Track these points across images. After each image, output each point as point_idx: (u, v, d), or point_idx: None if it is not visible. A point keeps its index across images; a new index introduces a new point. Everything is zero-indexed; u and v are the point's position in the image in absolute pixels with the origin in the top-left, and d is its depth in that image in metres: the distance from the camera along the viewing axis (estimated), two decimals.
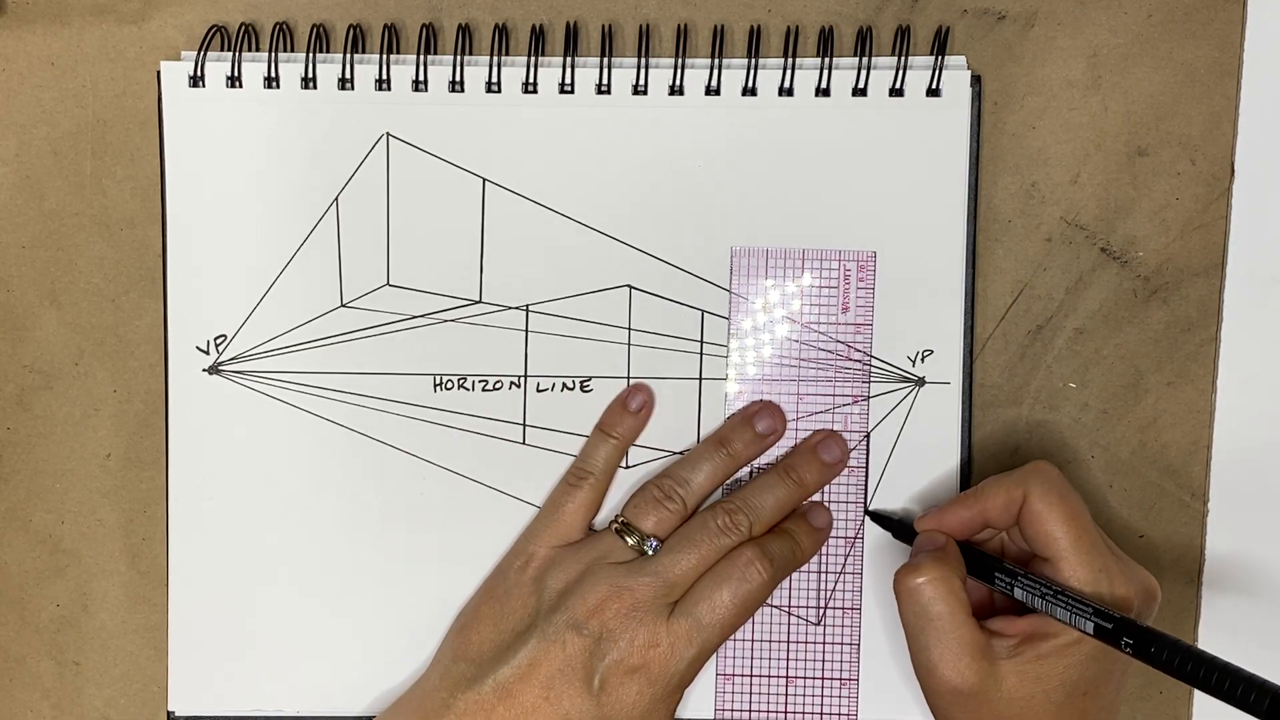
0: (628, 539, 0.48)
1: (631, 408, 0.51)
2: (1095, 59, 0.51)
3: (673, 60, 0.50)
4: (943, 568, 0.45)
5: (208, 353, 0.51)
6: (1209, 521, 0.52)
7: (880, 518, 0.51)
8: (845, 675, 0.52)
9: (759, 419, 0.50)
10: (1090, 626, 0.43)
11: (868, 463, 0.51)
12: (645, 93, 0.50)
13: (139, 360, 0.52)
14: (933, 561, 0.45)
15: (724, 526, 0.48)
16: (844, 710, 0.52)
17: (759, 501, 0.49)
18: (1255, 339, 0.52)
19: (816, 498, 0.51)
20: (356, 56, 0.50)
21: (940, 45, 0.50)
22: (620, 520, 0.49)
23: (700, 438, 0.51)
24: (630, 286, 0.51)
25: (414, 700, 0.49)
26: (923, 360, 0.51)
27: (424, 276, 0.51)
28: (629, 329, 0.51)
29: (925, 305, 0.51)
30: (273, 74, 0.50)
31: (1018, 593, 0.45)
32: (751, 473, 0.51)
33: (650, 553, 0.48)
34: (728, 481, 0.51)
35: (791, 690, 0.52)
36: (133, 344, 0.52)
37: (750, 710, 0.52)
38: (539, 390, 0.51)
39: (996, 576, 0.46)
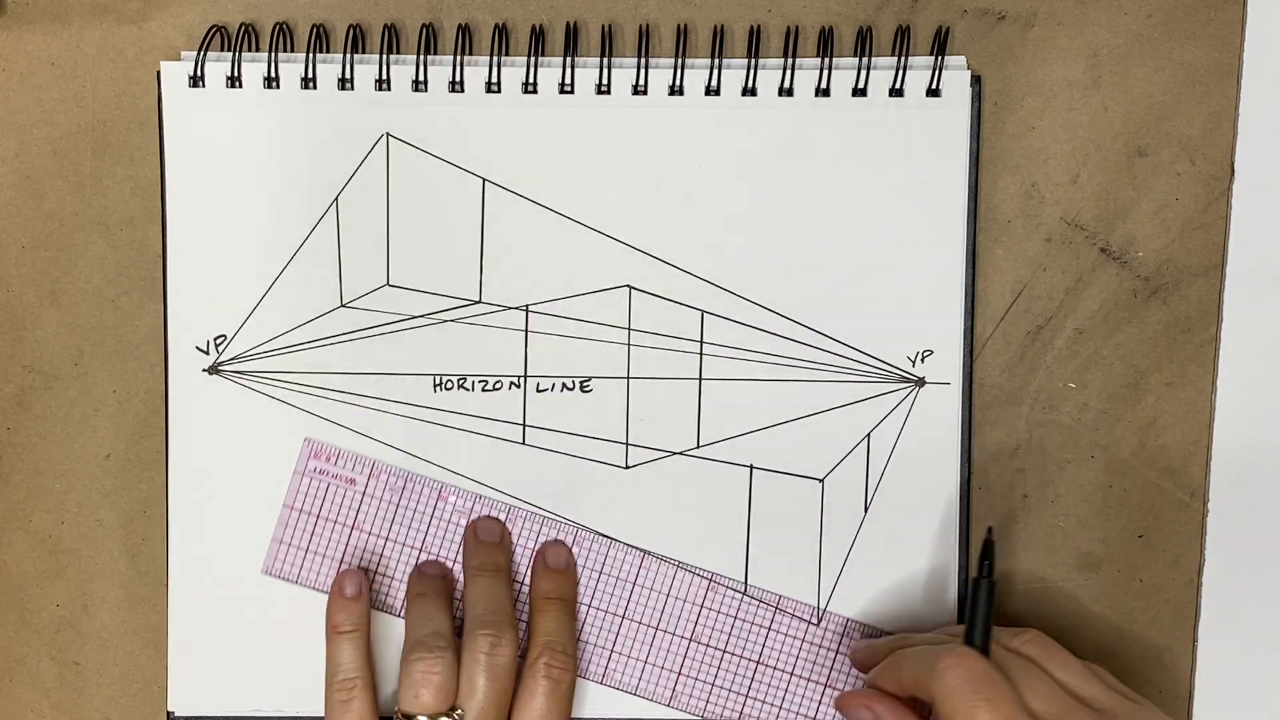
0: None
1: (349, 594, 0.50)
2: (1095, 59, 0.51)
3: (673, 60, 0.50)
4: None
5: (208, 353, 0.51)
6: (1209, 521, 0.52)
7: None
8: (845, 673, 0.52)
9: (427, 565, 0.51)
10: None
11: (868, 463, 0.51)
12: (645, 93, 0.50)
13: (139, 360, 0.52)
14: None
15: (491, 648, 0.47)
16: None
17: (486, 605, 0.49)
18: (1255, 339, 0.52)
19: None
20: (356, 56, 0.50)
21: (940, 45, 0.50)
22: (401, 714, 0.47)
23: (700, 439, 0.51)
24: (630, 286, 0.51)
25: None
26: (923, 360, 0.51)
27: (424, 276, 0.51)
28: (629, 329, 0.51)
29: (925, 305, 0.51)
30: (273, 74, 0.50)
31: None
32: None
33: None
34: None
35: (790, 689, 0.52)
36: (133, 344, 0.52)
37: (745, 711, 0.52)
38: (539, 390, 0.51)
39: None
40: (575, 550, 0.51)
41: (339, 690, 0.48)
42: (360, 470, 0.51)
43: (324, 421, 0.51)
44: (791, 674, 0.52)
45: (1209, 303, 0.52)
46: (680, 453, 0.51)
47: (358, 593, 0.50)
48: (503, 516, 0.51)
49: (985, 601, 0.45)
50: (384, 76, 0.50)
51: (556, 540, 0.51)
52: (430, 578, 0.50)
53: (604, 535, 0.51)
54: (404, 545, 0.51)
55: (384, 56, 0.50)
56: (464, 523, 0.51)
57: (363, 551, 0.51)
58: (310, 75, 0.50)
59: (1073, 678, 0.45)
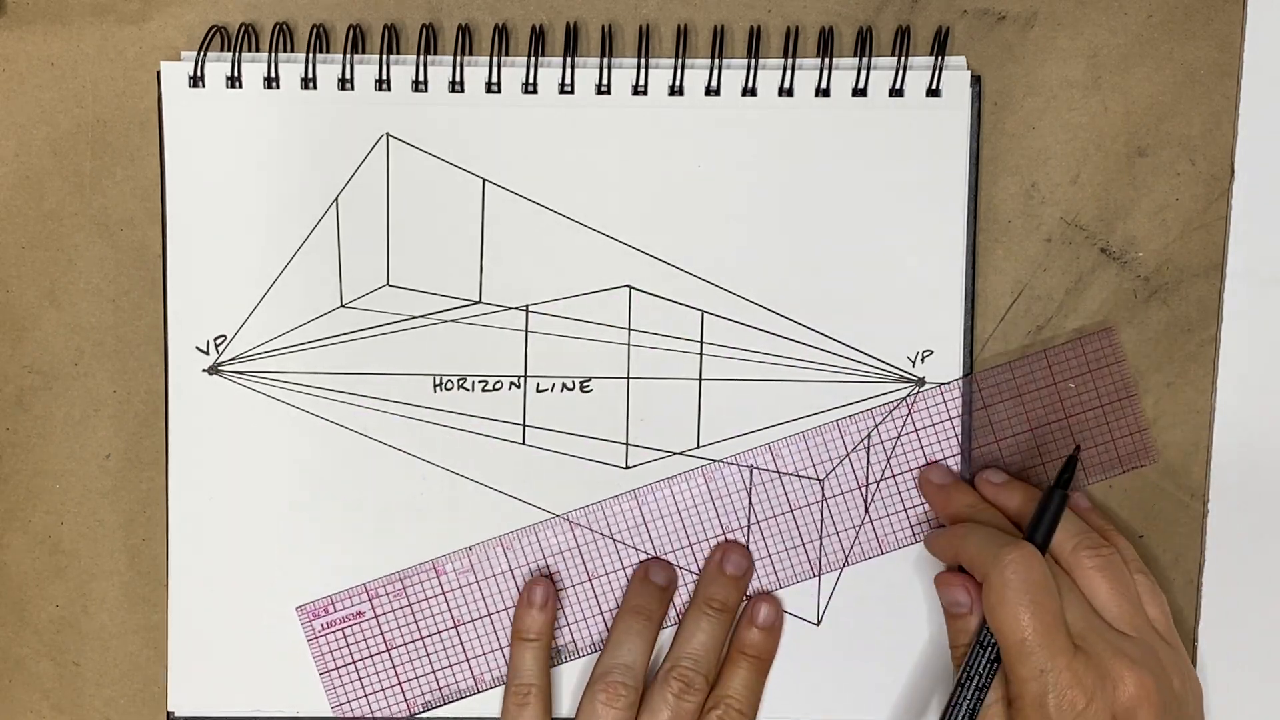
0: None
1: (536, 602, 0.50)
2: (1095, 59, 0.51)
3: (673, 60, 0.50)
4: None
5: (208, 353, 0.51)
6: (1209, 521, 0.52)
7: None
8: (845, 673, 0.52)
9: (654, 571, 0.51)
10: None
11: (868, 463, 0.51)
12: (645, 93, 0.50)
13: (139, 360, 0.52)
14: None
15: (681, 692, 0.48)
16: (844, 708, 0.52)
17: (696, 648, 0.49)
18: (1255, 339, 0.52)
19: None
20: (356, 57, 0.50)
21: (940, 45, 0.50)
22: None
23: (700, 439, 0.51)
24: (630, 287, 0.51)
25: None
26: (923, 360, 0.51)
27: (424, 276, 0.51)
28: (629, 329, 0.51)
29: (925, 305, 0.51)
30: (273, 74, 0.50)
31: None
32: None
33: None
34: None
35: (790, 688, 0.52)
36: (133, 344, 0.52)
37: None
38: (539, 390, 0.51)
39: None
40: (574, 548, 0.52)
41: (515, 694, 0.50)
42: (359, 600, 0.51)
43: (324, 421, 0.51)
44: (792, 674, 0.52)
45: (1209, 303, 0.52)
46: (680, 453, 0.51)
47: (544, 602, 0.50)
48: (503, 515, 0.51)
49: (1054, 511, 0.47)
50: (384, 77, 0.50)
51: (769, 595, 0.51)
52: (652, 589, 0.50)
53: (605, 534, 0.52)
54: (435, 635, 0.51)
55: (384, 57, 0.50)
56: (470, 583, 0.51)
57: (410, 662, 0.51)
58: (310, 75, 0.50)
59: (1117, 603, 0.46)
